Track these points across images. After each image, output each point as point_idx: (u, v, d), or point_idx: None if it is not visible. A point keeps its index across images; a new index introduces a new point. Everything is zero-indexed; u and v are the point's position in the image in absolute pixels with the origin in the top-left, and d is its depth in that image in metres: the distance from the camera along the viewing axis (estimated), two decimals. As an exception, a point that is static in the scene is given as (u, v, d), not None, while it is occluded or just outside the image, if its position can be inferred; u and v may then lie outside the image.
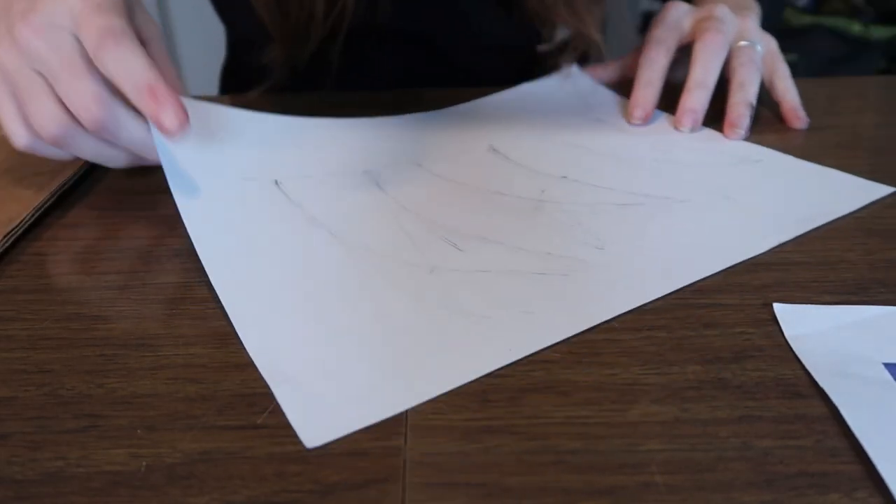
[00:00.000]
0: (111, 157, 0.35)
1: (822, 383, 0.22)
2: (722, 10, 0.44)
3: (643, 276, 0.28)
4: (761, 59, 0.44)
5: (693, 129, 0.42)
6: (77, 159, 0.36)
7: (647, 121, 0.43)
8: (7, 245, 0.31)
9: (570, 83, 0.50)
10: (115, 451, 0.21)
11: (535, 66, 0.60)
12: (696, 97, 0.42)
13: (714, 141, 0.41)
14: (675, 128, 0.42)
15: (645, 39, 0.47)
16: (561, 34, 0.56)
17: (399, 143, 0.41)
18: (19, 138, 0.33)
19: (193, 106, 0.35)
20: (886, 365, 0.23)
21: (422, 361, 0.24)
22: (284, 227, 0.32)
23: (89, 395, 0.23)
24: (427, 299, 0.27)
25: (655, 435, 0.21)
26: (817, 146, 0.41)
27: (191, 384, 0.23)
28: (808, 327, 0.25)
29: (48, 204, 0.35)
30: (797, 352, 0.24)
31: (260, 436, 0.21)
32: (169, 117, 0.31)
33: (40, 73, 0.32)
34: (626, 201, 0.34)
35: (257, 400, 0.23)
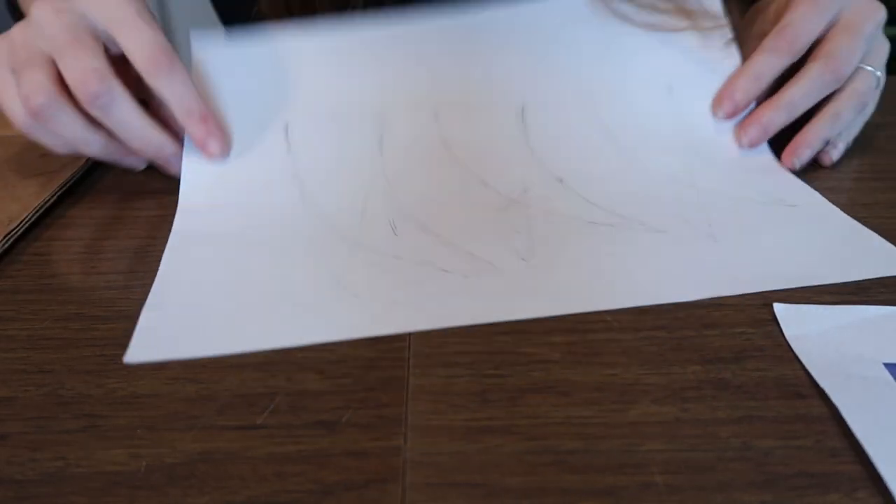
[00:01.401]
0: (89, 141, 0.34)
1: (822, 383, 0.22)
2: (864, 28, 0.37)
3: (534, 294, 0.27)
4: (876, 92, 0.39)
5: (752, 146, 0.37)
6: (74, 158, 0.36)
7: (732, 118, 0.38)
8: (7, 245, 0.31)
9: (679, 39, 0.42)
10: (115, 451, 0.21)
11: None
12: (776, 117, 0.37)
13: (762, 172, 0.37)
14: (736, 137, 0.38)
15: (778, 26, 0.38)
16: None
17: (420, 82, 0.39)
18: (16, 116, 0.34)
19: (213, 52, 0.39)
20: (887, 365, 0.23)
21: (265, 319, 0.26)
22: (267, 178, 0.35)
23: (89, 395, 0.23)
24: (320, 269, 0.29)
25: (655, 435, 0.21)
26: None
27: (191, 384, 0.23)
28: (808, 327, 0.25)
29: (48, 204, 0.35)
30: (797, 352, 0.24)
31: (260, 436, 0.21)
32: (215, 144, 0.35)
33: (44, 51, 0.32)
34: (599, 220, 0.32)
35: (257, 400, 0.23)
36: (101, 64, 0.32)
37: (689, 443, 0.21)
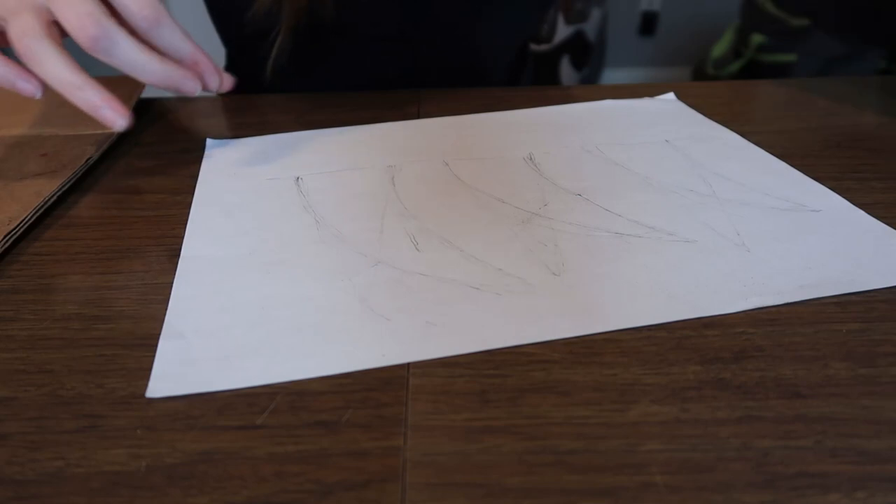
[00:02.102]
0: (74, 83, 0.34)
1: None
2: None
3: (573, 311, 0.26)
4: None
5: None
6: (74, 158, 0.36)
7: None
8: (7, 245, 0.31)
9: (658, 104, 0.48)
10: (115, 451, 0.21)
11: (531, 64, 0.60)
12: None
13: (777, 178, 0.37)
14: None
15: None
16: (561, 34, 0.56)
17: (435, 143, 0.42)
18: None
19: (231, 145, 0.42)
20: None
21: (291, 347, 0.25)
22: (279, 212, 0.34)
23: (89, 395, 0.23)
24: (343, 291, 0.28)
25: (655, 435, 0.21)
26: (818, 146, 0.41)
27: (191, 384, 0.23)
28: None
29: (48, 204, 0.35)
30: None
31: (260, 436, 0.21)
32: (191, 84, 0.36)
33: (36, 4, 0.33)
34: (625, 231, 0.32)
35: (257, 400, 0.23)
36: (94, 7, 0.33)
37: (689, 443, 0.21)
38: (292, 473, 0.20)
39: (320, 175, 0.38)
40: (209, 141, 0.43)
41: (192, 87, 0.37)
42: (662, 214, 0.33)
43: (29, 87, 0.35)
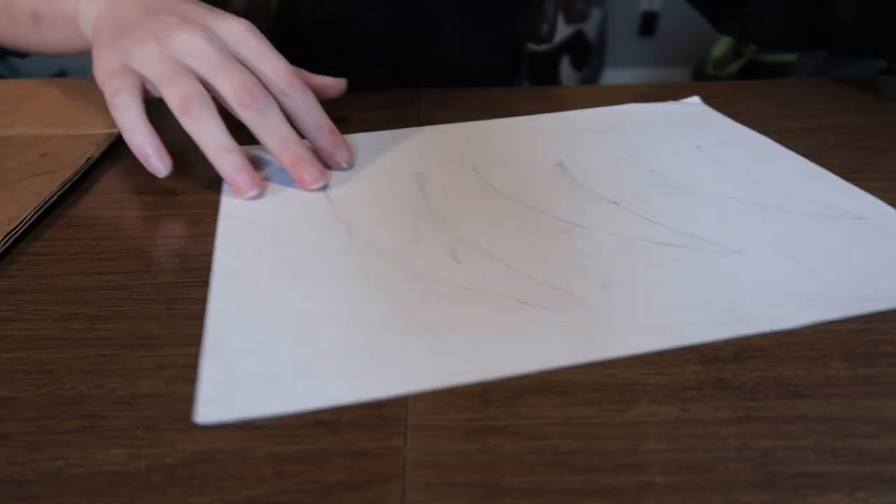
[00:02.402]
0: (226, 146, 0.35)
1: None
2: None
3: (627, 329, 0.25)
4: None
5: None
6: (75, 158, 0.36)
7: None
8: (7, 245, 0.31)
9: (685, 108, 0.47)
10: (115, 451, 0.21)
11: (526, 64, 0.60)
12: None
13: (817, 183, 0.36)
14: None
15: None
16: (561, 34, 0.56)
17: (461, 148, 0.41)
18: (139, 137, 0.36)
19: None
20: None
21: (343, 367, 0.24)
22: (309, 222, 0.33)
23: (89, 395, 0.23)
24: (387, 306, 0.27)
25: (655, 435, 0.21)
26: (818, 146, 0.41)
27: (191, 384, 0.23)
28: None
29: (48, 204, 0.35)
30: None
31: (260, 436, 0.21)
32: (342, 154, 0.38)
33: (193, 68, 0.35)
34: (668, 240, 0.30)
35: (257, 400, 0.23)
36: (251, 76, 0.36)
37: (689, 443, 0.21)
38: (292, 473, 0.20)
39: (346, 183, 0.37)
40: None
41: (314, 180, 0.36)
42: (705, 223, 0.32)
43: (160, 167, 0.36)
